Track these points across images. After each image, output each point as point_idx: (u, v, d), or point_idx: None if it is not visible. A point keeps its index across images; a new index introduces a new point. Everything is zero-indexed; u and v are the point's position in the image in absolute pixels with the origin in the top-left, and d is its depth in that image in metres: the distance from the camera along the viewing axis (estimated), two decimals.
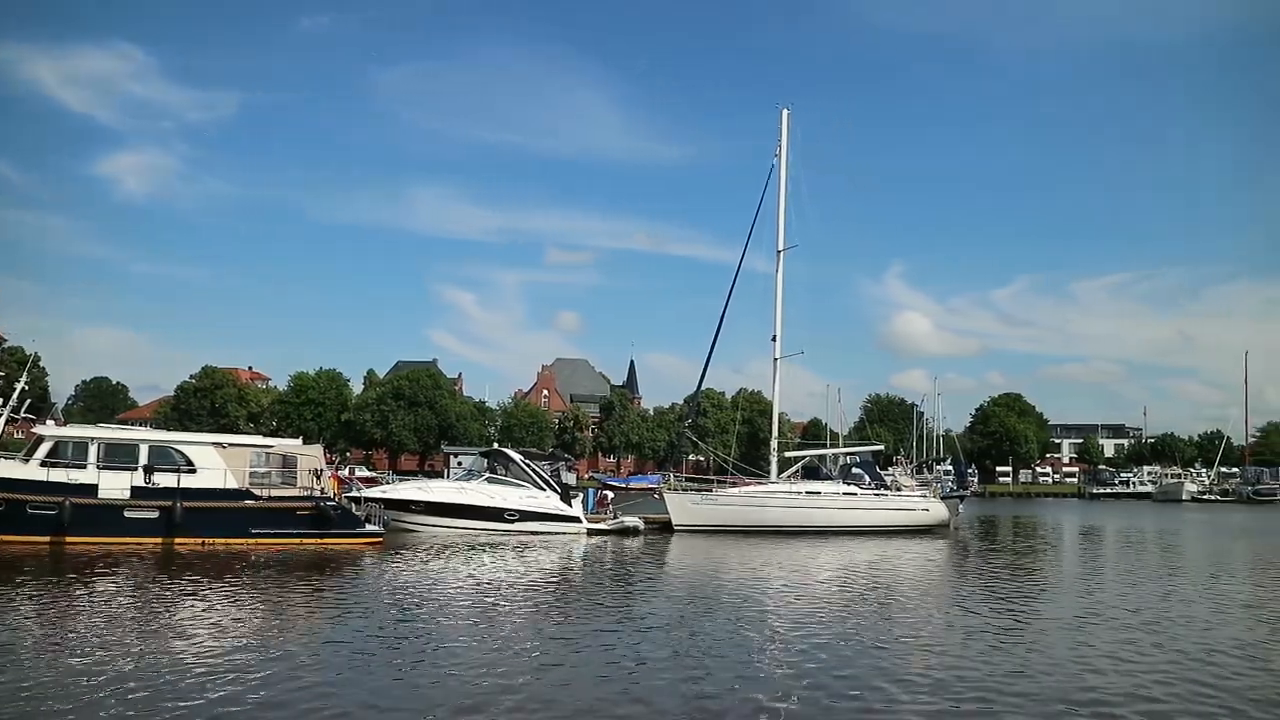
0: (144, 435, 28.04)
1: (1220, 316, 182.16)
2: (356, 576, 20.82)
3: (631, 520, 34.96)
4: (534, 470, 33.84)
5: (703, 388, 52.51)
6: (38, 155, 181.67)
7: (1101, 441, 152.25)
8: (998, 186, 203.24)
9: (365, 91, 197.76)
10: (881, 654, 12.83)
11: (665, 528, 35.73)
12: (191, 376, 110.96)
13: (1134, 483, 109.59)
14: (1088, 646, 13.42)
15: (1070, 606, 17.92)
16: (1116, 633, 14.69)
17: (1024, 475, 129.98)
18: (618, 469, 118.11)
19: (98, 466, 25.23)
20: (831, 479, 41.97)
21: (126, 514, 24.91)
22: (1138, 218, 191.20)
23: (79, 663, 11.05)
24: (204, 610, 15.48)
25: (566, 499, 33.81)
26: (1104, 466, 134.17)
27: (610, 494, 40.57)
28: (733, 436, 68.81)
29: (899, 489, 42.39)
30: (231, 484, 25.99)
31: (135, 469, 25.37)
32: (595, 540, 31.47)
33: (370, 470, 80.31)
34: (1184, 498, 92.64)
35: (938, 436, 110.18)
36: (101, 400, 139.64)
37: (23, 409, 27.49)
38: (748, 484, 40.09)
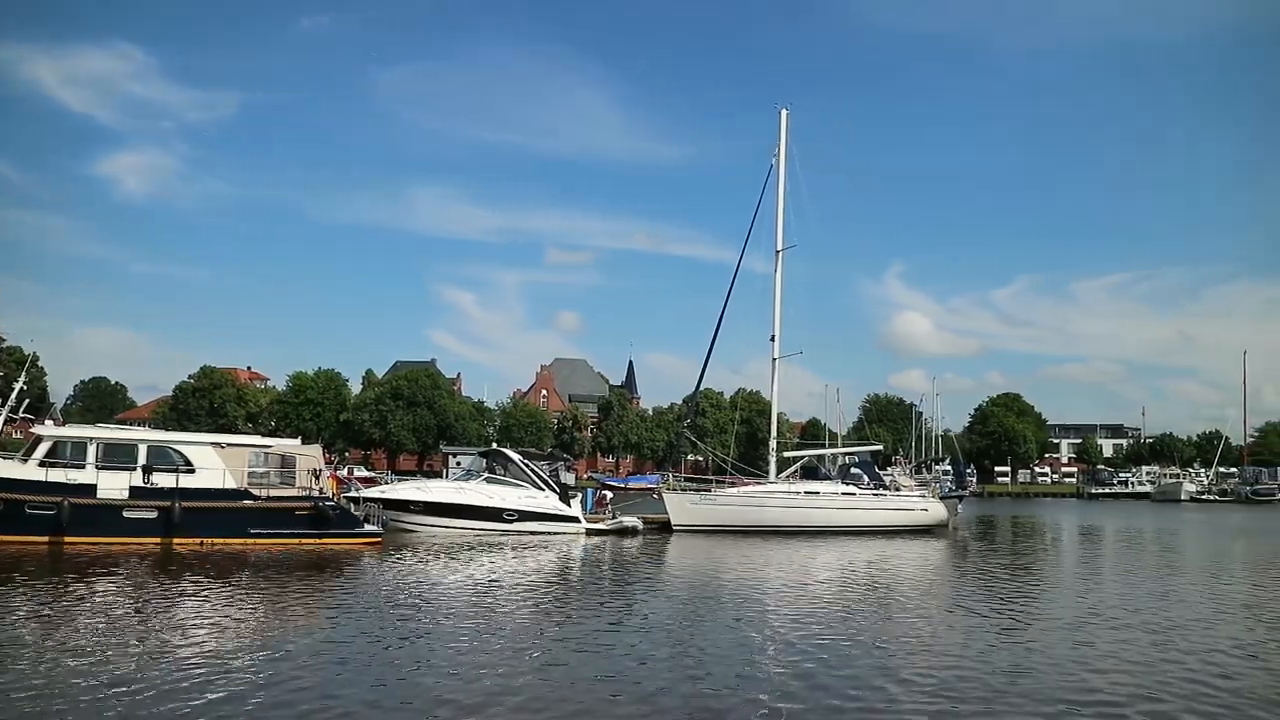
0: (143, 435, 28.04)
1: (1220, 316, 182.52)
2: (355, 577, 20.80)
3: (630, 520, 34.96)
4: (533, 470, 33.82)
5: (701, 388, 52.54)
6: (38, 155, 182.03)
7: (1100, 441, 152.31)
8: (998, 186, 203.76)
9: (365, 91, 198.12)
10: (882, 653, 12.83)
11: (664, 528, 35.72)
12: (190, 377, 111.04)
13: (1132, 483, 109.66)
14: (1087, 646, 13.42)
15: (1069, 606, 17.92)
16: (1116, 632, 14.69)
17: (1023, 475, 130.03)
18: (616, 469, 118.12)
19: (96, 466, 25.21)
20: (830, 479, 41.99)
21: (125, 514, 24.89)
22: (1138, 218, 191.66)
23: (78, 663, 11.04)
24: (203, 610, 15.47)
25: (565, 499, 33.79)
26: (1103, 466, 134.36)
27: (609, 494, 40.55)
28: (731, 436, 68.84)
29: (898, 489, 42.39)
30: (230, 484, 25.98)
31: (134, 469, 25.36)
32: (594, 540, 31.46)
33: (369, 470, 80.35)
34: (1182, 498, 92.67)
35: (937, 436, 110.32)
36: (100, 400, 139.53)
37: (21, 409, 27.51)
38: (746, 484, 40.08)
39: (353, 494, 31.99)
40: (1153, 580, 23.06)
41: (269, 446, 28.77)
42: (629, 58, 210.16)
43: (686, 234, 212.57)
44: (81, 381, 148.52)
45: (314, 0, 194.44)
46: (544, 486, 33.28)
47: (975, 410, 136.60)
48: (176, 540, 24.68)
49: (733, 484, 40.25)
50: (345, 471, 56.26)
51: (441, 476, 55.93)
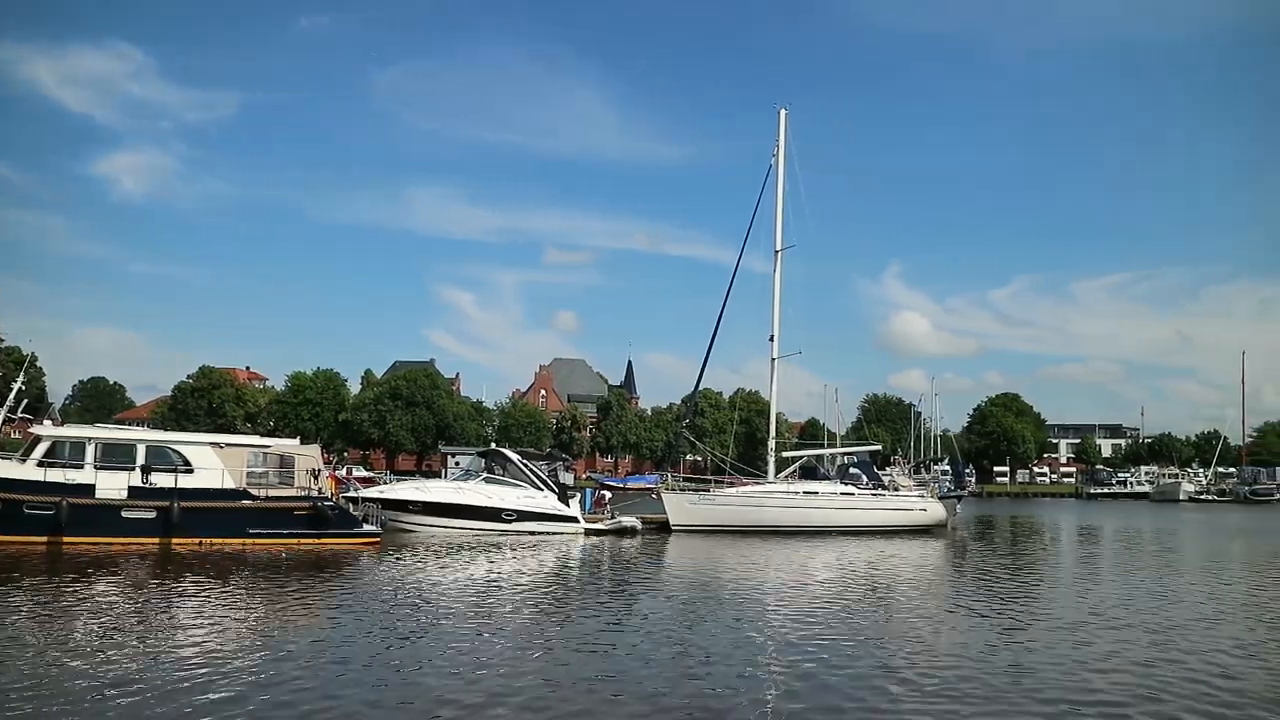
0: (141, 435, 28.02)
1: (1219, 317, 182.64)
2: (354, 577, 20.79)
3: (629, 520, 34.95)
4: (531, 470, 33.82)
5: (700, 387, 52.57)
6: (37, 155, 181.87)
7: (1099, 441, 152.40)
8: (997, 186, 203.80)
9: (364, 91, 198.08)
10: (882, 653, 12.82)
11: (663, 528, 35.72)
12: (189, 377, 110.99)
13: (1131, 483, 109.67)
14: (1088, 646, 13.42)
15: (1069, 606, 17.92)
16: (1116, 632, 14.69)
17: (1021, 475, 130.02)
18: (615, 469, 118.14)
19: (95, 466, 25.19)
20: (829, 479, 41.98)
21: (124, 514, 24.87)
22: (1137, 218, 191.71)
23: (78, 664, 11.02)
24: (203, 611, 15.46)
25: (564, 499, 33.78)
26: (1101, 466, 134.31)
27: (608, 494, 40.54)
28: (730, 436, 68.81)
29: (896, 489, 42.40)
30: (229, 484, 25.97)
31: (132, 469, 25.33)
32: (593, 540, 31.45)
33: (367, 470, 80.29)
34: (1181, 498, 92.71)
35: (935, 436, 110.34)
36: (99, 400, 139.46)
37: (20, 409, 27.49)
38: (745, 484, 40.06)
39: (351, 494, 31.96)
40: (1152, 580, 23.06)
41: (268, 446, 28.75)
42: (629, 58, 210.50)
43: (685, 234, 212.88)
44: (80, 381, 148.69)
45: (313, 0, 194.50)
46: (543, 486, 33.27)
47: (974, 410, 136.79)
48: (175, 540, 24.67)
49: (731, 484, 40.22)
50: (344, 471, 56.20)
51: (440, 476, 55.95)
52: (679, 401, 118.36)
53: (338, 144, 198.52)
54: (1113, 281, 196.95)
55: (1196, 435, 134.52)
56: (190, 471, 25.78)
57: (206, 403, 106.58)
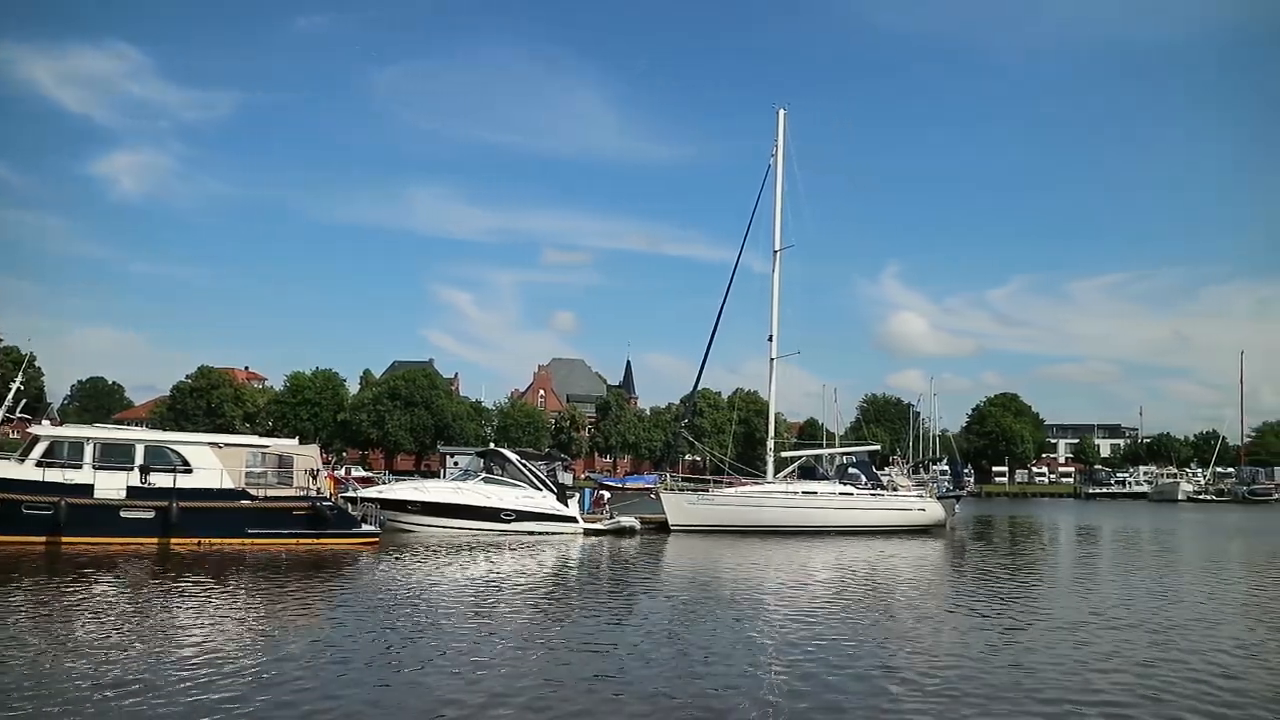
0: (140, 435, 28.00)
1: (1216, 316, 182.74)
2: (353, 577, 20.78)
3: (628, 520, 34.95)
4: (530, 470, 33.81)
5: (699, 388, 52.55)
6: (36, 155, 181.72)
7: (1097, 441, 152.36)
8: (997, 186, 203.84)
9: (364, 91, 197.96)
10: (883, 653, 12.82)
11: (661, 528, 35.73)
12: (188, 376, 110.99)
13: (1130, 483, 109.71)
14: (1088, 646, 13.43)
15: (1069, 606, 17.93)
16: (1117, 632, 14.70)
17: (1020, 475, 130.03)
18: (614, 469, 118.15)
19: (93, 466, 25.17)
20: (828, 479, 41.95)
21: (122, 514, 24.86)
22: (1136, 218, 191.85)
23: (77, 665, 11.01)
24: (202, 611, 15.45)
25: (563, 499, 33.77)
26: (1100, 466, 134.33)
27: (607, 494, 40.57)
28: (729, 436, 68.82)
29: (895, 489, 42.39)
30: (227, 484, 25.95)
31: (131, 469, 25.32)
32: (592, 540, 31.45)
33: (366, 470, 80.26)
34: (1179, 498, 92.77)
35: (934, 436, 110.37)
36: (97, 400, 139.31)
37: (18, 409, 27.46)
38: (744, 484, 40.05)
39: (350, 494, 31.96)
40: (1151, 580, 23.08)
41: (266, 446, 28.73)
42: (628, 58, 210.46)
43: (684, 234, 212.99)
44: (78, 381, 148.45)
45: (312, 0, 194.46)
46: (541, 486, 33.27)
47: (972, 410, 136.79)
48: (174, 540, 24.65)
49: (730, 484, 40.21)
50: (343, 471, 56.16)
51: (439, 476, 55.92)
52: (678, 401, 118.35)
53: (337, 144, 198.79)
54: (1109, 281, 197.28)
55: (1195, 435, 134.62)
56: (189, 471, 25.77)
57: (205, 403, 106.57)
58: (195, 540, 24.83)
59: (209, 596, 16.99)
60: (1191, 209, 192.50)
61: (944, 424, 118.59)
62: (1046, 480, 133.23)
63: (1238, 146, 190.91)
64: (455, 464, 61.98)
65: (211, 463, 26.14)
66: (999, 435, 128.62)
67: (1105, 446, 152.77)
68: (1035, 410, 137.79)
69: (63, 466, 24.98)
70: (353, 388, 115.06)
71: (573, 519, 33.35)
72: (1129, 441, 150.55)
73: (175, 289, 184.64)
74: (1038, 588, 21.44)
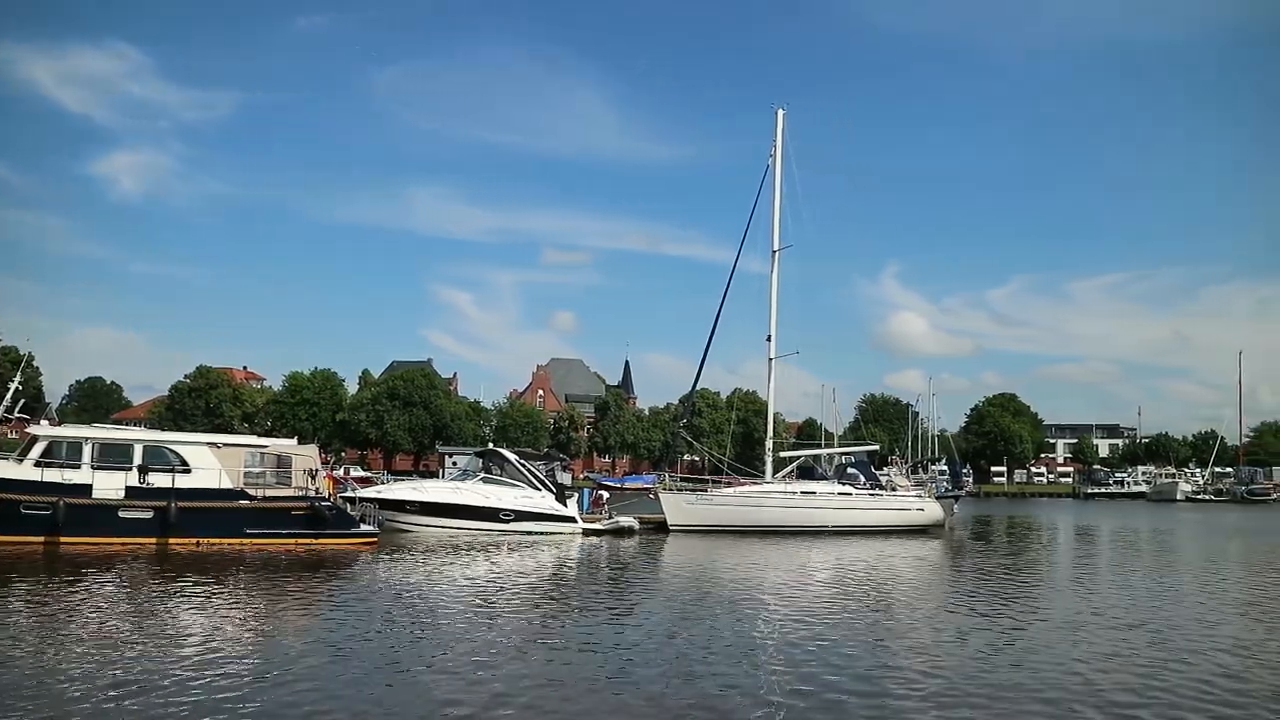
0: (138, 435, 27.97)
1: (1215, 317, 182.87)
2: (353, 577, 20.75)
3: (627, 520, 34.93)
4: (529, 470, 33.79)
5: (698, 388, 52.49)
6: (35, 155, 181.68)
7: (1096, 441, 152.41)
8: (997, 186, 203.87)
9: (363, 91, 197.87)
10: (884, 653, 12.83)
11: (660, 528, 35.73)
12: (186, 376, 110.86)
13: (1128, 483, 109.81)
14: (1088, 645, 13.42)
15: (1068, 606, 17.93)
16: (1117, 632, 14.70)
17: (1019, 475, 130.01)
18: (613, 469, 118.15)
19: (92, 466, 25.15)
20: (827, 479, 41.96)
21: (121, 514, 24.83)
22: (1136, 218, 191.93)
23: (76, 666, 10.98)
24: (201, 612, 15.43)
25: (562, 499, 33.76)
26: (1099, 466, 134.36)
27: (605, 494, 40.58)
28: (728, 436, 68.80)
29: (894, 489, 42.36)
30: (226, 484, 25.93)
31: (130, 469, 25.30)
32: (590, 540, 31.45)
33: (365, 470, 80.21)
34: (1178, 498, 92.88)
35: (933, 436, 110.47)
36: (96, 400, 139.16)
37: (17, 409, 27.44)
38: (743, 484, 40.06)
39: (349, 494, 31.94)
40: (1151, 580, 23.10)
41: (265, 446, 28.72)
42: (628, 58, 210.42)
43: (683, 234, 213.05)
44: (77, 381, 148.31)
45: (311, 0, 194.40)
46: (540, 486, 33.25)
47: (971, 410, 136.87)
48: (172, 540, 24.64)
49: (729, 484, 40.22)
50: (341, 471, 56.08)
51: (438, 476, 55.85)
52: (676, 401, 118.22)
53: (337, 144, 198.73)
54: (1109, 281, 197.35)
55: (1193, 435, 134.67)
56: (187, 471, 25.75)
57: (204, 403, 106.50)
58: (194, 540, 24.81)
59: (208, 597, 16.97)
60: (1191, 209, 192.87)
61: (943, 424, 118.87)
62: (1045, 480, 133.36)
63: (1238, 146, 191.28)
64: (454, 464, 61.89)
65: (210, 463, 26.13)
66: (998, 435, 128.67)
67: (1104, 446, 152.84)
68: (1034, 410, 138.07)
69: (61, 466, 24.96)
70: (351, 388, 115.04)
71: (571, 519, 33.34)
72: (1128, 441, 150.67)
73: (175, 289, 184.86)
74: (1037, 587, 21.45)
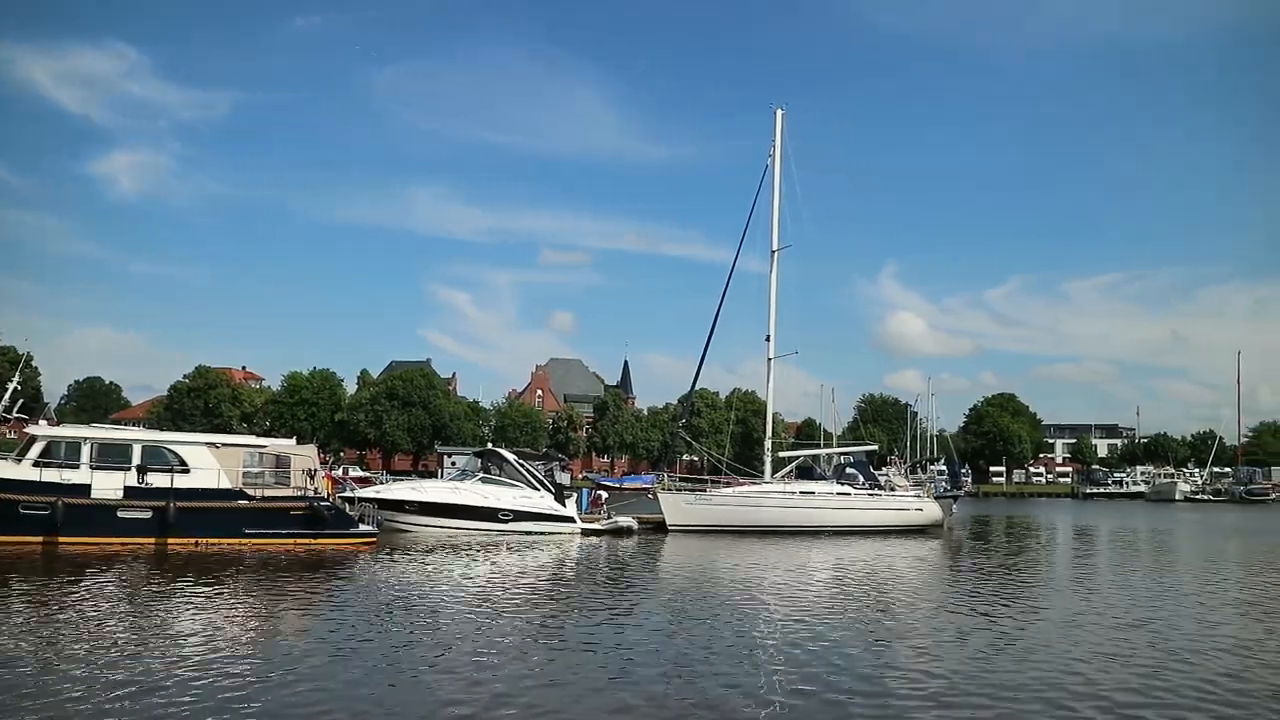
0: (137, 435, 27.95)
1: (1214, 317, 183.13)
2: (352, 578, 20.72)
3: (625, 520, 34.92)
4: (528, 470, 33.79)
5: (697, 388, 52.51)
6: (34, 155, 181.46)
7: (1095, 441, 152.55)
8: (996, 186, 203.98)
9: (362, 91, 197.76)
10: (884, 653, 12.84)
11: (659, 528, 35.72)
12: (185, 376, 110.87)
13: (1127, 483, 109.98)
14: (1087, 645, 13.42)
15: (1068, 605, 17.92)
16: (1115, 631, 14.70)
17: (1017, 475, 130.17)
18: (612, 469, 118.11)
19: (91, 466, 25.14)
20: (825, 479, 41.99)
21: (119, 514, 24.81)
22: (1136, 218, 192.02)
23: (76, 667, 10.96)
24: (200, 612, 15.41)
25: (560, 499, 33.76)
26: (1097, 466, 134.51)
27: (604, 494, 40.59)
28: (727, 436, 68.86)
29: (893, 489, 42.40)
30: (225, 484, 25.92)
31: (128, 469, 25.28)
32: (589, 540, 31.44)
33: (364, 470, 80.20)
34: (1177, 497, 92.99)
35: (931, 436, 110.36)
36: (94, 400, 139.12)
37: (15, 409, 27.43)
38: (742, 484, 40.08)
39: (348, 494, 31.94)
40: (1150, 579, 23.11)
41: (264, 447, 28.70)
42: (628, 58, 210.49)
43: (682, 234, 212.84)
44: (76, 381, 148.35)
45: (310, 0, 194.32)
46: (539, 486, 33.24)
47: (970, 410, 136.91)
48: (171, 540, 24.62)
49: (728, 484, 40.24)
50: (340, 471, 56.06)
51: (437, 476, 55.82)
52: (675, 401, 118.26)
53: (336, 144, 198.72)
54: (1106, 281, 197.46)
55: (1192, 435, 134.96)
56: (186, 471, 25.74)
57: (202, 403, 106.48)
58: (192, 540, 24.80)
59: (207, 597, 16.96)
60: (1191, 209, 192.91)
61: (941, 424, 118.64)
62: (1044, 480, 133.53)
63: (1238, 146, 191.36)
64: (453, 464, 61.92)
65: (209, 463, 26.11)
66: (996, 435, 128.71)
67: (1102, 446, 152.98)
68: (1033, 410, 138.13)
69: (60, 466, 24.94)
70: (350, 388, 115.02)
71: (570, 519, 33.34)
72: (1126, 441, 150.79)
73: (174, 289, 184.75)
74: (1036, 587, 21.46)
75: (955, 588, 21.37)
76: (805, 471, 44.00)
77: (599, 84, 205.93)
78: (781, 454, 45.47)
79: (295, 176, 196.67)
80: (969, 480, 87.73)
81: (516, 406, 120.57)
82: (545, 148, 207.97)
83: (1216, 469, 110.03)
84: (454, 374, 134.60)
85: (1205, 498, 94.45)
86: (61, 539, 23.90)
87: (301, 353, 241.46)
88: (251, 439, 31.20)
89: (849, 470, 43.30)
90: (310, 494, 26.89)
